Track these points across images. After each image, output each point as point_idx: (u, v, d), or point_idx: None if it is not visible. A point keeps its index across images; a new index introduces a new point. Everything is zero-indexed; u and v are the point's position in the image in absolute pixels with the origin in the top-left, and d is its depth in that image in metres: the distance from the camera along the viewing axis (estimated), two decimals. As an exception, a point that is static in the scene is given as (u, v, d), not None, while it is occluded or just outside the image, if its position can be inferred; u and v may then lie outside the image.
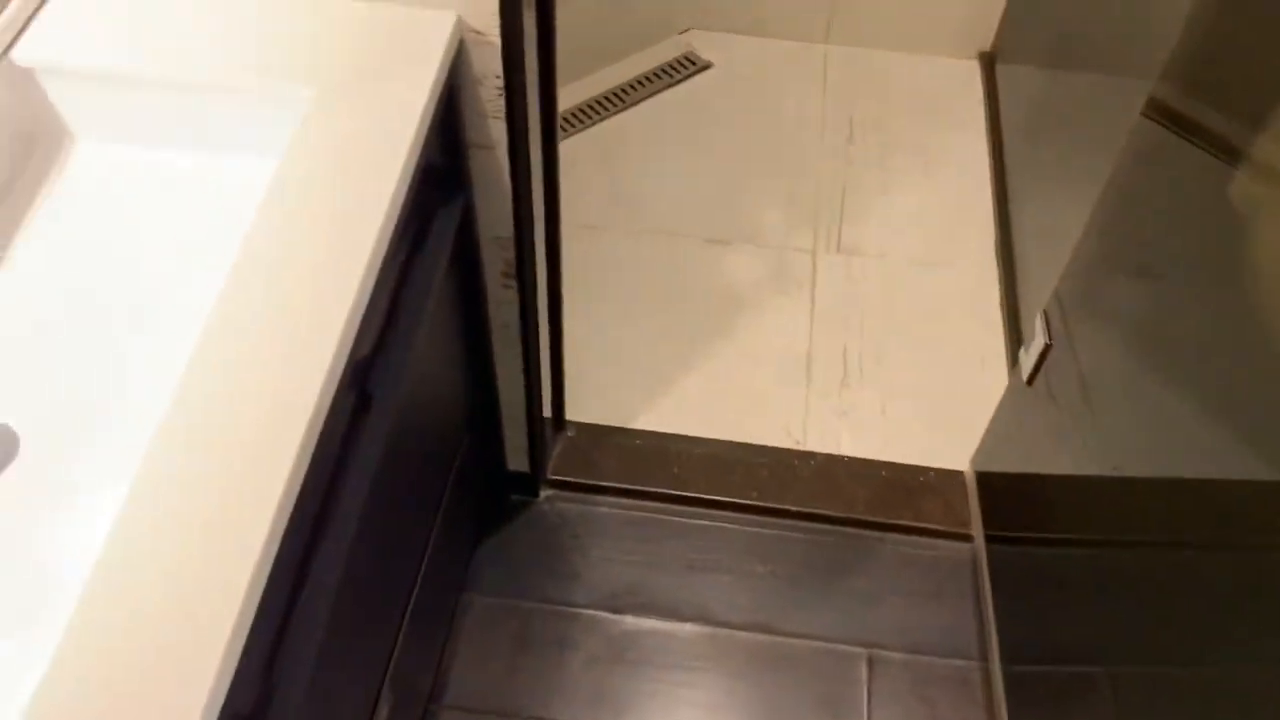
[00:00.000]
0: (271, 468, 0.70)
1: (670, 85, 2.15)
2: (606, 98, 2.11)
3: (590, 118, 2.08)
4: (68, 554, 0.72)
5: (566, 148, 2.03)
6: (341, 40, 0.95)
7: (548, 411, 1.56)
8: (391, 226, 0.86)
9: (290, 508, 0.71)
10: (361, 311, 0.81)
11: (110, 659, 0.63)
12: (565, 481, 1.60)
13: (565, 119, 2.08)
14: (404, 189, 0.88)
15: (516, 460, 1.54)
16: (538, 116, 1.16)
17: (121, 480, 0.71)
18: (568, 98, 2.10)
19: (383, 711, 1.14)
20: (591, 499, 1.60)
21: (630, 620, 1.49)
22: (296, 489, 0.72)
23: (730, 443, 1.66)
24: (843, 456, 1.66)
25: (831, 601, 1.51)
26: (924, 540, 1.58)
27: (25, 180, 0.94)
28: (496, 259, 1.22)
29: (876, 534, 1.58)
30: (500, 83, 1.03)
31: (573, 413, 1.65)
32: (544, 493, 1.60)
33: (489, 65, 1.02)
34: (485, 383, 1.38)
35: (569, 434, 1.64)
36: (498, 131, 1.07)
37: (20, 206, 0.93)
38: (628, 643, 1.47)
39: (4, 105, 0.92)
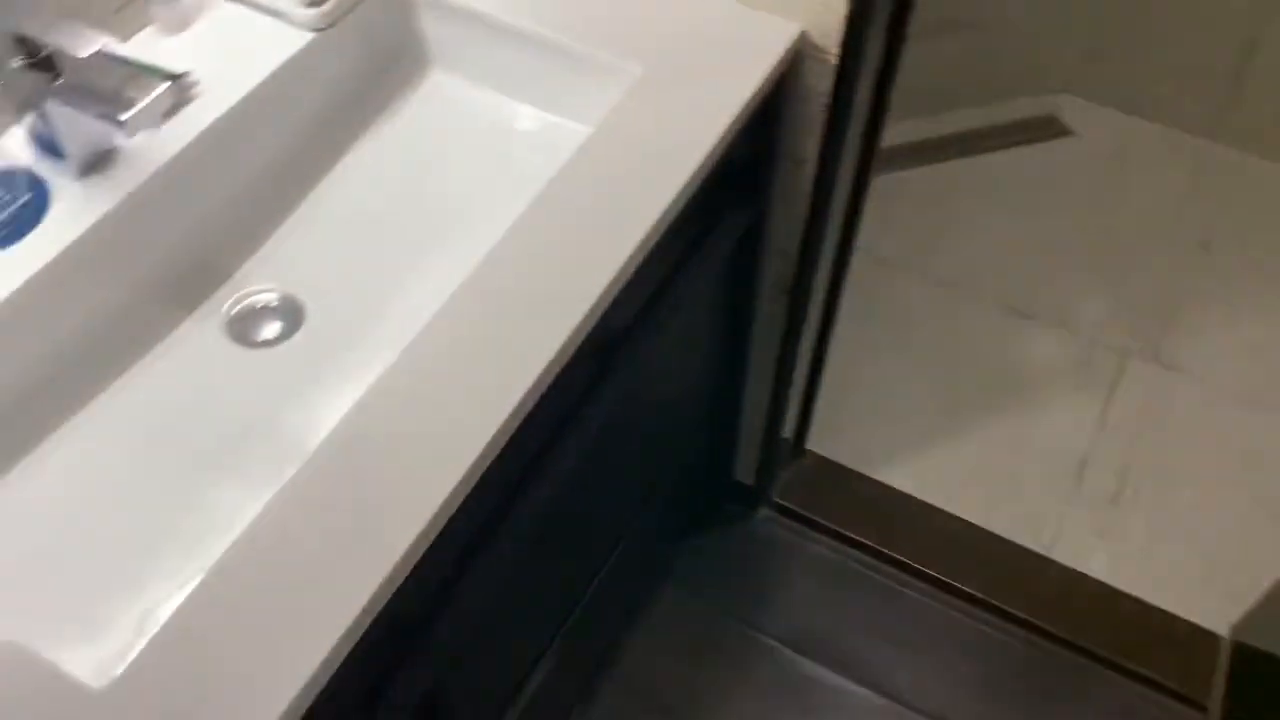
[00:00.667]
0: (510, 382, 0.74)
1: (1020, 144, 2.04)
2: (947, 140, 2.04)
3: (923, 157, 2.02)
4: (333, 408, 0.78)
5: (887, 180, 1.99)
6: (682, 28, 0.97)
7: (788, 432, 1.54)
8: (675, 211, 0.86)
9: (512, 427, 0.74)
10: (625, 279, 0.83)
11: (333, 495, 0.68)
12: (787, 508, 1.57)
13: (896, 151, 2.03)
14: (698, 178, 0.88)
15: (744, 472, 1.53)
16: (857, 143, 1.13)
17: (383, 359, 0.76)
18: (905, 131, 2.04)
19: (546, 665, 1.17)
20: (808, 533, 1.56)
21: (810, 665, 1.44)
22: (527, 407, 0.75)
23: (970, 524, 1.57)
24: (1089, 577, 1.53)
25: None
26: (1152, 694, 1.43)
27: (378, 92, 1.03)
28: (774, 271, 1.21)
29: (1102, 670, 1.45)
30: (826, 101, 1.02)
31: (815, 442, 1.61)
32: (763, 511, 1.58)
33: (820, 83, 1.00)
34: (732, 386, 1.37)
35: (805, 461, 1.61)
36: (811, 148, 1.06)
37: (367, 114, 1.02)
38: (801, 686, 1.43)
39: (380, 20, 1.01)
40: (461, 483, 0.71)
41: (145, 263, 0.87)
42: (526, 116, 1.02)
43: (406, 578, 0.69)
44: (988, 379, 1.74)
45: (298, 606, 0.65)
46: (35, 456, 0.80)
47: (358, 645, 0.66)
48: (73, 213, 0.82)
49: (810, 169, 1.08)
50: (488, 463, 0.73)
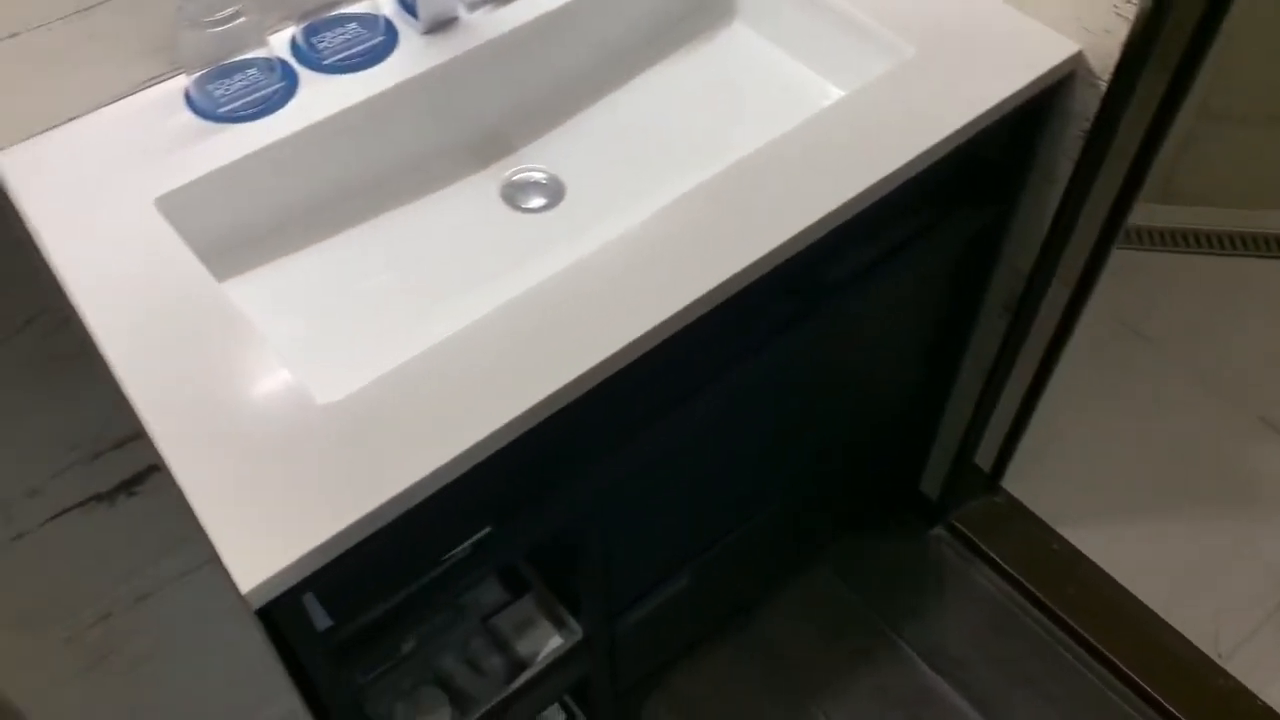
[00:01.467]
0: (724, 261, 0.85)
1: (1330, 260, 1.93)
2: (1257, 237, 1.95)
3: (1220, 246, 1.95)
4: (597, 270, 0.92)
5: (1173, 259, 1.94)
6: (963, 24, 1.04)
7: (986, 464, 1.55)
8: (905, 175, 0.93)
9: (718, 299, 0.86)
10: (846, 216, 0.91)
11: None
12: (963, 534, 1.59)
13: (1195, 237, 1.97)
14: (937, 153, 0.94)
15: (929, 484, 1.56)
16: (1119, 181, 1.15)
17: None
18: (1214, 219, 1.98)
19: (682, 580, 1.27)
20: (978, 564, 1.57)
21: (940, 683, 1.46)
22: (714, 300, 0.86)
23: (1147, 607, 1.52)
24: (1260, 700, 1.45)
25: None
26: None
27: (684, 27, 1.16)
28: (1004, 287, 1.24)
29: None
30: (1086, 128, 1.05)
31: (1010, 482, 1.61)
32: (937, 530, 1.60)
33: (1086, 107, 1.04)
34: (935, 393, 1.41)
35: (996, 499, 1.61)
36: (1063, 171, 1.10)
37: (668, 45, 1.15)
38: (924, 699, 1.45)
39: (700, -30, 1.14)
40: (661, 326, 0.82)
41: (454, 117, 1.04)
42: (804, 76, 1.12)
43: (595, 400, 0.81)
44: (1218, 481, 1.67)
45: (493, 385, 0.78)
46: (335, 242, 0.98)
47: (530, 434, 0.78)
48: (411, 59, 1.00)
49: (1059, 190, 1.12)
50: (697, 313, 0.84)
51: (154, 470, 0.51)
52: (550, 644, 1.15)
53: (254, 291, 0.93)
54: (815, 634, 1.51)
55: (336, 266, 0.97)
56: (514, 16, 1.04)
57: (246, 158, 0.93)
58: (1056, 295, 1.27)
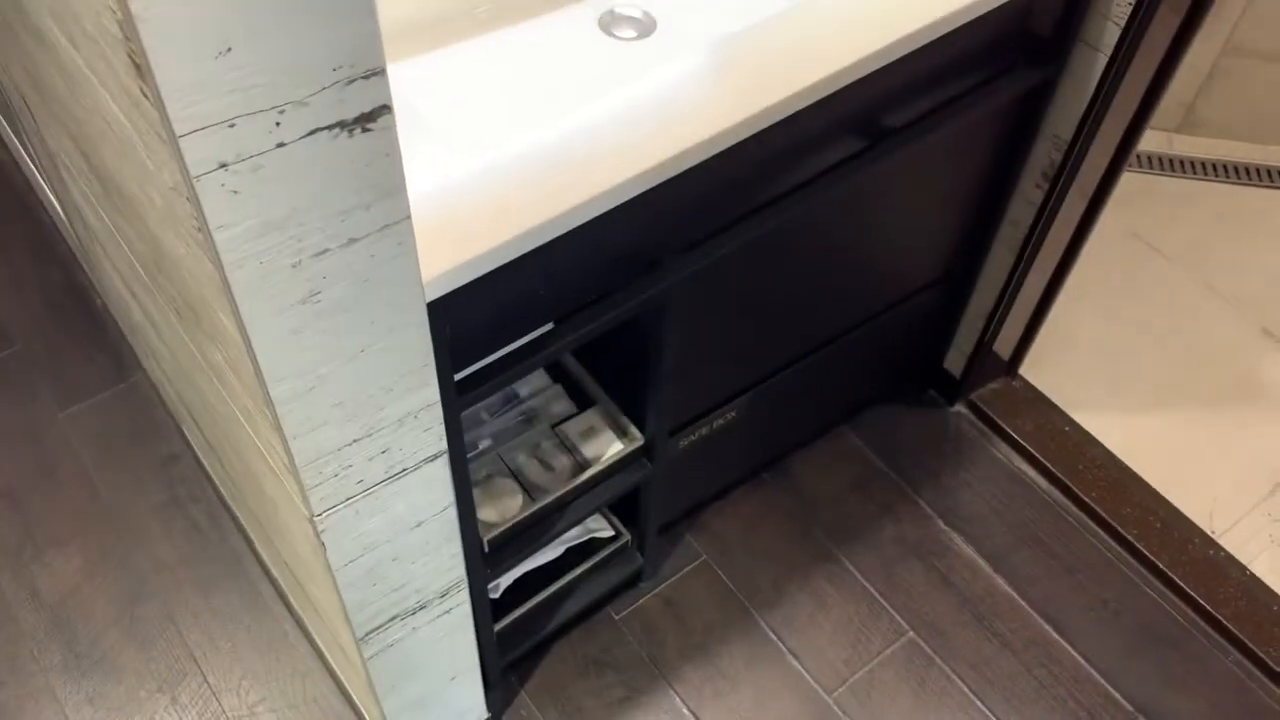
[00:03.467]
0: (799, 76, 0.96)
1: (1339, 192, 2.04)
2: (1269, 171, 2.06)
3: (1236, 176, 2.06)
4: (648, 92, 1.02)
5: (1195, 184, 2.04)
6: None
7: (1006, 352, 1.66)
8: (965, 17, 1.04)
9: (784, 111, 0.96)
10: (911, 47, 1.01)
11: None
12: (982, 411, 1.70)
13: (1213, 166, 2.08)
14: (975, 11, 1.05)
15: (952, 361, 1.67)
16: (1162, 50, 1.24)
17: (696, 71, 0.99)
18: (1233, 151, 2.09)
19: (731, 412, 1.38)
20: (995, 439, 1.69)
21: (953, 539, 1.58)
22: (802, 102, 0.96)
23: (1148, 485, 1.64)
24: (1246, 568, 1.57)
25: (1143, 668, 1.48)
26: (1271, 685, 1.47)
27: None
28: (1043, 156, 1.35)
29: (1222, 642, 1.50)
30: (1134, -5, 1.16)
31: (1027, 369, 1.73)
32: (958, 406, 1.72)
33: (1135, -25, 1.15)
34: (967, 266, 1.52)
35: (1012, 381, 1.73)
36: (1109, 38, 1.20)
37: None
38: (938, 550, 1.57)
39: None
40: (742, 125, 0.92)
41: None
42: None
43: (678, 192, 0.91)
44: (1220, 382, 1.78)
45: (592, 165, 0.89)
46: (450, 50, 1.08)
47: (622, 212, 0.89)
48: (530, -111, 1.10)
49: (1102, 60, 1.22)
50: (775, 117, 0.95)
51: (385, 109, 0.61)
52: (612, 449, 1.26)
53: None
54: (841, 488, 1.63)
55: (448, 69, 1.07)
56: None
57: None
58: (1089, 180, 1.38)
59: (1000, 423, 1.70)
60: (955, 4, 1.03)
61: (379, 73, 0.59)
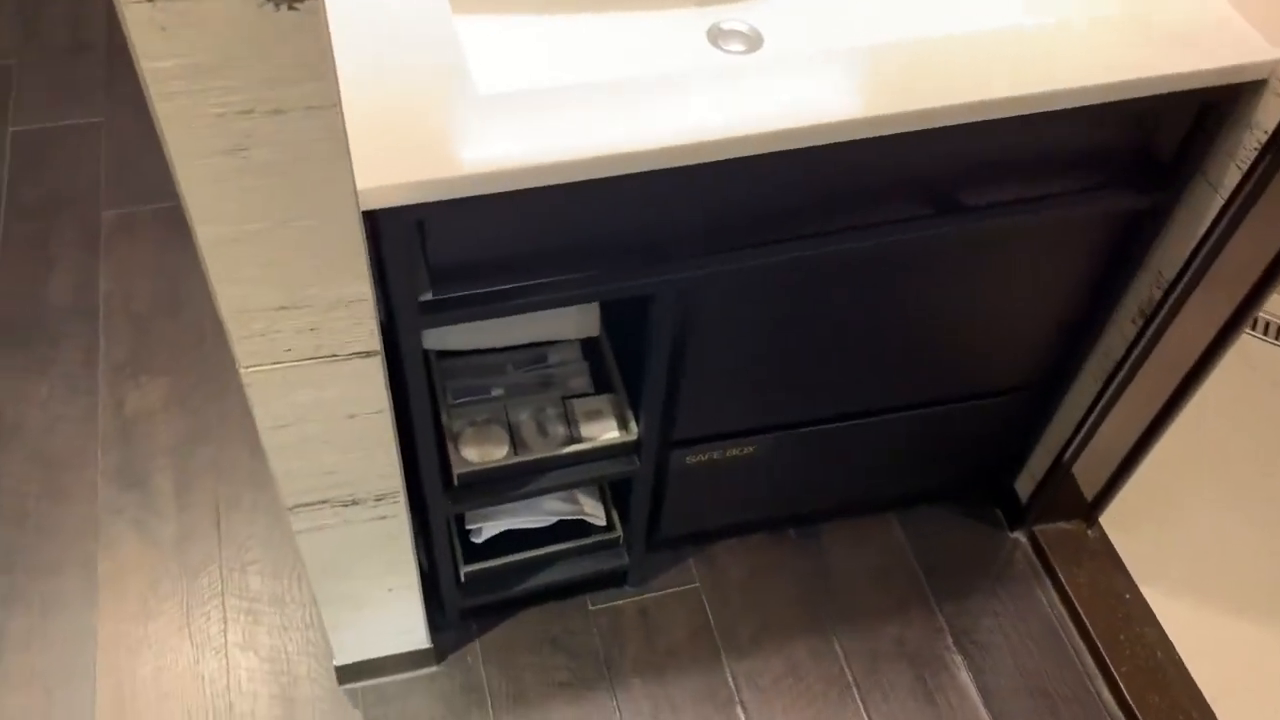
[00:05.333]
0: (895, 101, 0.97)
1: None
2: None
3: None
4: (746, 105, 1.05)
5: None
6: (1170, 11, 1.08)
7: (1090, 492, 1.55)
8: (1064, 102, 1.00)
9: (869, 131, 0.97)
10: (1003, 113, 0.99)
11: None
12: (1041, 549, 1.59)
13: None
14: (1099, 95, 1.00)
15: (1022, 484, 1.58)
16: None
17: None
18: None
19: (740, 445, 1.37)
20: (1043, 579, 1.58)
21: (959, 664, 1.49)
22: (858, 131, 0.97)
23: (1192, 684, 1.48)
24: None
25: None
26: None
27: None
28: (1143, 290, 1.26)
29: None
30: (1264, 140, 1.07)
31: (1109, 518, 1.60)
32: (1016, 534, 1.61)
33: (1267, 118, 1.06)
34: (1050, 385, 1.43)
35: (1089, 530, 1.61)
36: (1230, 179, 1.11)
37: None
38: (937, 669, 1.48)
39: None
40: (792, 133, 0.94)
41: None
42: (1021, 11, 1.18)
43: (722, 181, 0.94)
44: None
45: (634, 120, 0.92)
46: (556, 19, 1.15)
47: (651, 179, 0.92)
48: (674, -111, 1.15)
49: (1219, 199, 1.13)
50: (838, 136, 0.96)
51: (314, -4, 0.68)
52: (607, 435, 1.29)
53: (476, 29, 1.11)
54: (863, 571, 1.57)
55: (549, 36, 1.14)
56: (775, -117, 1.17)
57: (511, -83, 1.11)
58: (1194, 328, 1.27)
59: (1056, 566, 1.58)
60: (1076, 81, 1.00)
61: (305, -42, 0.66)
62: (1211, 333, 1.29)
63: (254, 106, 0.73)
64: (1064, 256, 1.24)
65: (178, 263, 1.85)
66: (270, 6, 0.67)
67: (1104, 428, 1.43)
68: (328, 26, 0.70)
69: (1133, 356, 1.31)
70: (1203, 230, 1.16)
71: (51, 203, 1.93)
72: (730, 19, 1.18)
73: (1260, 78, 1.05)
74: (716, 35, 1.18)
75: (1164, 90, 1.02)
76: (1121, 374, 1.34)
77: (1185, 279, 1.21)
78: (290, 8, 0.68)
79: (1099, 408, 1.39)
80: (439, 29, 0.99)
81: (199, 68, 0.70)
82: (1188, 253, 1.19)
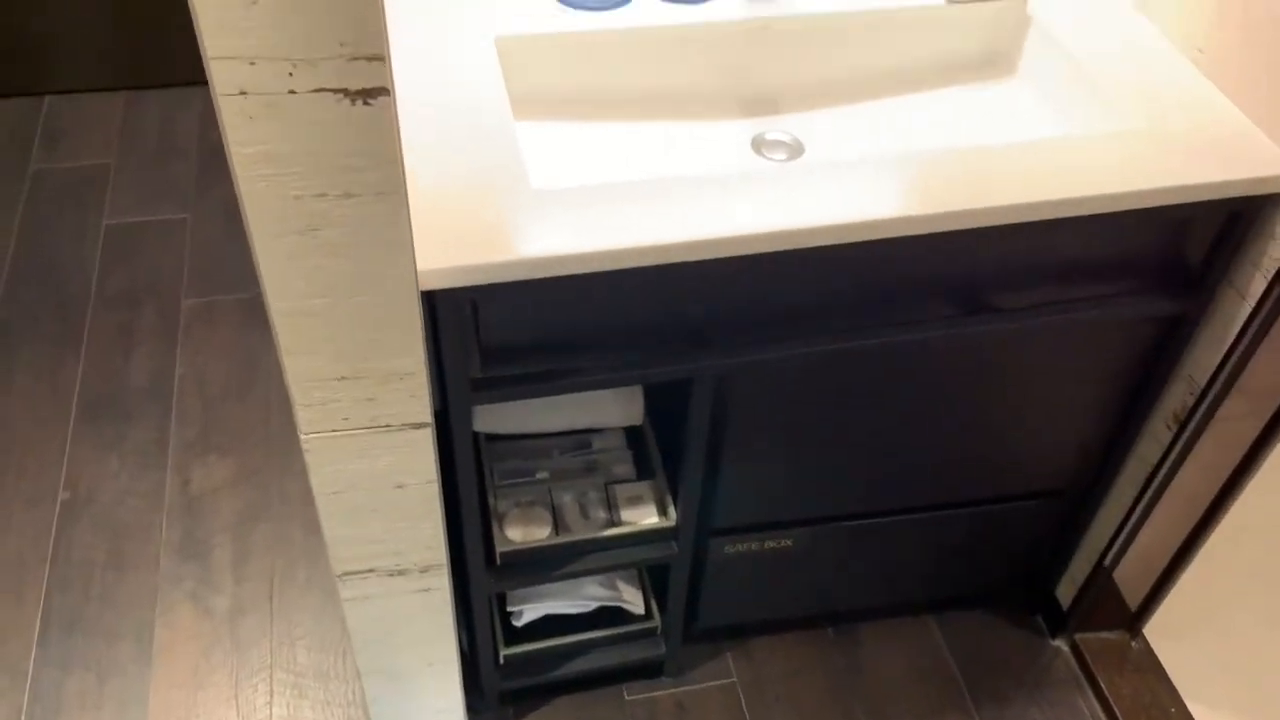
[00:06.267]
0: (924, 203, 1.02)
1: None
2: None
3: None
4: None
5: None
6: (1197, 112, 1.13)
7: (1134, 600, 1.54)
8: (1087, 209, 1.05)
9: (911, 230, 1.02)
10: (1015, 220, 1.05)
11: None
12: (1083, 659, 1.58)
13: None
14: (1120, 203, 1.05)
15: (1063, 590, 1.57)
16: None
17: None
18: None
19: (778, 537, 1.40)
20: (1085, 689, 1.56)
21: (993, 766, 1.47)
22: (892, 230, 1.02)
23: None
24: None
25: None
26: None
27: (964, 68, 1.32)
28: (1175, 395, 1.28)
29: None
30: (1287, 250, 1.10)
31: (1153, 628, 1.58)
32: (1058, 641, 1.60)
33: (1290, 229, 1.10)
34: (1089, 490, 1.44)
35: (1132, 640, 1.59)
36: (1257, 287, 1.15)
37: (943, 81, 1.32)
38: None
39: (1000, 22, 1.30)
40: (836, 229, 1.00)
41: (743, 68, 1.27)
42: (1049, 125, 1.25)
43: (760, 274, 1.00)
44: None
45: (675, 217, 0.99)
46: (609, 125, 1.24)
47: (692, 270, 0.98)
48: (731, 9, 1.24)
49: (1246, 308, 1.16)
50: (870, 235, 1.02)
51: (384, 91, 0.76)
52: (647, 520, 1.32)
53: (535, 133, 1.20)
54: (901, 674, 1.56)
55: (603, 141, 1.22)
56: (824, 5, 1.26)
57: (575, 34, 1.20)
58: (1229, 435, 1.29)
59: (1098, 676, 1.56)
60: (1105, 189, 1.05)
61: (379, 59, 0.74)
62: (1247, 441, 1.30)
63: (327, 190, 0.81)
64: (1097, 360, 1.27)
65: (249, 349, 1.95)
66: (346, 101, 0.76)
67: (1144, 534, 1.43)
68: (397, 120, 0.78)
69: (1168, 462, 1.33)
70: (1232, 338, 1.19)
71: (136, 291, 2.05)
72: (774, 129, 1.26)
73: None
74: (760, 144, 1.25)
75: (1192, 199, 1.07)
76: (1158, 480, 1.35)
77: (1217, 386, 1.23)
78: (365, 103, 0.76)
79: (1137, 513, 1.40)
80: (500, 130, 1.07)
81: (281, 154, 0.78)
82: (1218, 360, 1.22)
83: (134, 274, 2.09)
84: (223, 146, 0.77)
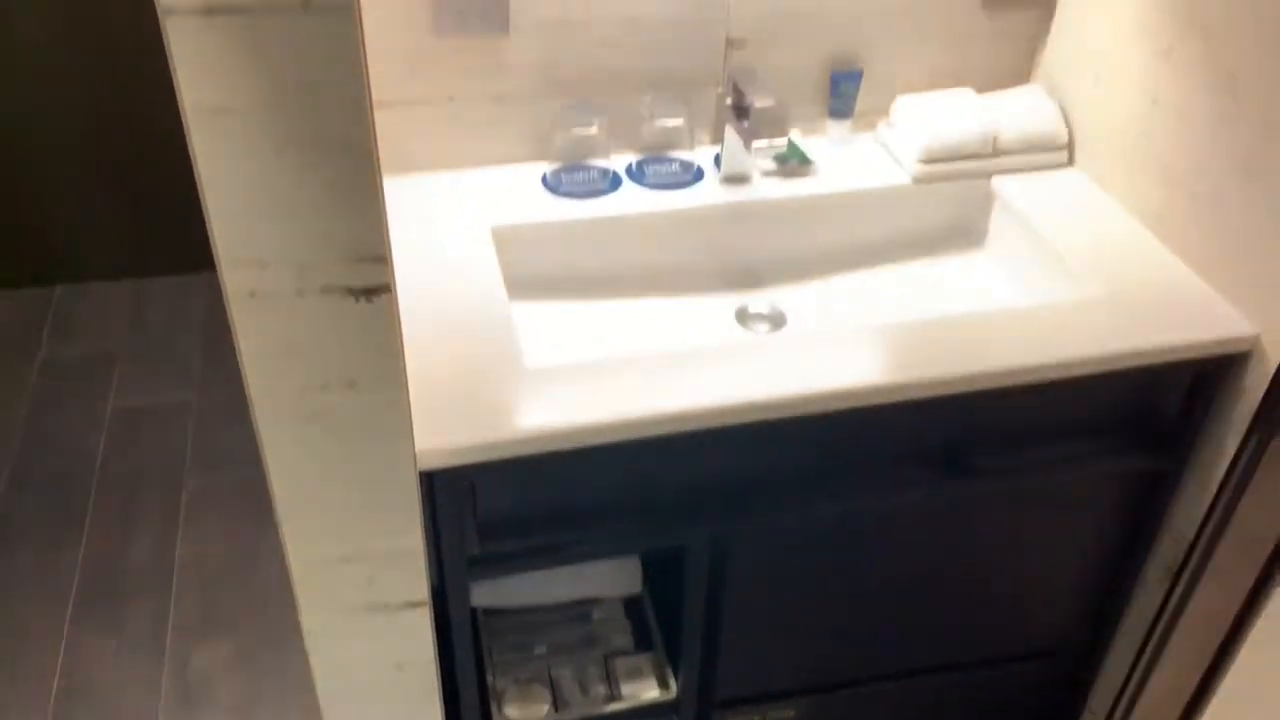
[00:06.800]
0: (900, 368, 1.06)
1: None
2: None
3: None
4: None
5: None
6: (1153, 282, 1.19)
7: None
8: (1054, 373, 1.09)
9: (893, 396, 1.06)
10: (995, 385, 1.09)
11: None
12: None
13: None
14: (1084, 368, 1.10)
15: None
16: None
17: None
18: None
19: (781, 708, 1.38)
20: None
21: None
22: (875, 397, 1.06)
23: None
24: None
25: None
26: None
27: (932, 242, 1.39)
28: (1165, 550, 1.30)
29: None
30: (1254, 406, 1.14)
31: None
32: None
33: (1254, 385, 1.14)
34: (1082, 648, 1.44)
35: (1149, 802, 1.55)
36: (1230, 443, 1.18)
37: (912, 251, 1.38)
38: None
39: (964, 200, 1.38)
40: (821, 397, 1.04)
41: (722, 247, 1.34)
42: (1016, 294, 1.31)
43: (749, 440, 1.03)
44: None
45: (662, 389, 1.03)
46: (600, 304, 1.30)
47: (688, 441, 1.02)
48: (708, 195, 1.32)
49: (1225, 462, 1.19)
50: (856, 402, 1.06)
51: (386, 289, 0.81)
52: (647, 694, 1.32)
53: (529, 313, 1.25)
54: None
55: (595, 318, 1.28)
56: (795, 189, 1.34)
57: (565, 222, 1.28)
58: (1223, 588, 1.29)
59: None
60: (1074, 353, 1.10)
61: (381, 260, 0.79)
62: (1241, 594, 1.31)
63: (331, 381, 0.85)
64: (1084, 517, 1.30)
65: (248, 532, 1.97)
66: (351, 299, 0.81)
67: (1150, 691, 1.42)
68: (399, 314, 0.83)
69: (1164, 617, 1.33)
70: (1214, 491, 1.22)
71: (140, 475, 2.08)
72: (757, 302, 1.32)
73: (1244, 350, 1.14)
74: (744, 317, 1.31)
75: (1156, 361, 1.12)
76: (1157, 635, 1.35)
77: (1204, 540, 1.25)
78: (368, 300, 0.81)
79: (1140, 670, 1.39)
80: (496, 312, 1.13)
81: (288, 349, 0.82)
82: (1203, 513, 1.24)
83: (138, 457, 2.12)
84: (228, 328, 0.81)
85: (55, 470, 2.09)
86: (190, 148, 0.72)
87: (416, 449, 0.94)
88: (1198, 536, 1.26)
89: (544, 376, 1.06)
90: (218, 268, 0.78)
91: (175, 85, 0.70)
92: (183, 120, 0.71)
